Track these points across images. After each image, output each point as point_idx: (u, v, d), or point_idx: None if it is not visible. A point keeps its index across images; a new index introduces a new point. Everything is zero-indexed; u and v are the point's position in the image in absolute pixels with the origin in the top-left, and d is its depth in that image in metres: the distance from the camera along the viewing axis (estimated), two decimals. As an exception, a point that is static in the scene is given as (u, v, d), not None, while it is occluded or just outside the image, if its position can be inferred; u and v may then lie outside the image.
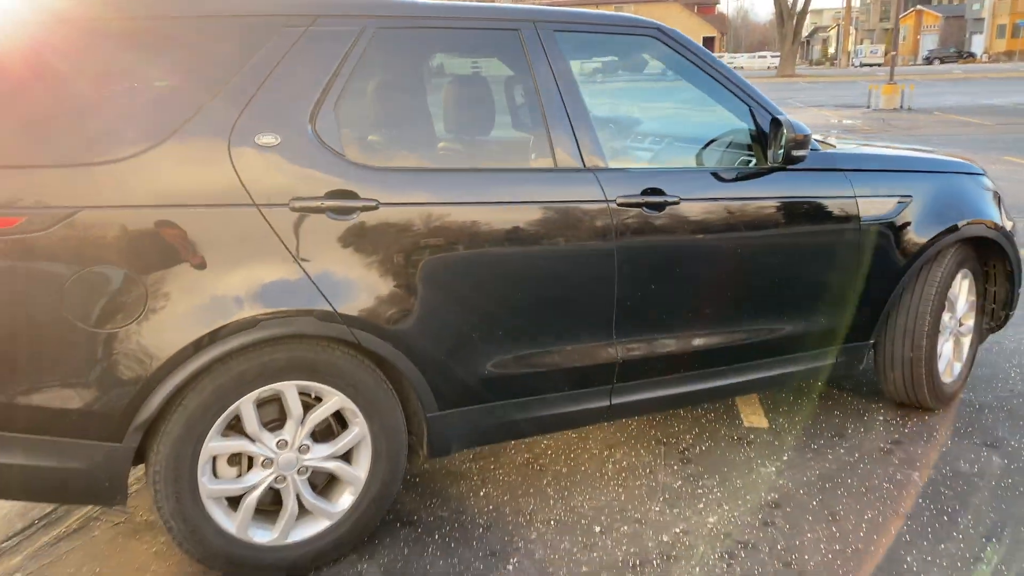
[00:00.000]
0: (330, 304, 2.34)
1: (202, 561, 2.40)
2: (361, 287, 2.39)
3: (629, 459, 3.22)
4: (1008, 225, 3.65)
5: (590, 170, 2.72)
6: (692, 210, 2.86)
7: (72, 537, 2.72)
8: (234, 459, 2.43)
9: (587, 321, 2.75)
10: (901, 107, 21.76)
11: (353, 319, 2.37)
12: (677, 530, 2.73)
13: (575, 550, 2.63)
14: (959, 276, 3.58)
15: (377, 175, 2.43)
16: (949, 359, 3.63)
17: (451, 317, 2.53)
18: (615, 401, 2.90)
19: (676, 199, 2.82)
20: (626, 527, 2.75)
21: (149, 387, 2.19)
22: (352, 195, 2.38)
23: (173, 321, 2.19)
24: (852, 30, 69.51)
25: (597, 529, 2.75)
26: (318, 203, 2.34)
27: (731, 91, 3.06)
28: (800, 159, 2.94)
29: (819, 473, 3.10)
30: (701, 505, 2.89)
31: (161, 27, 2.28)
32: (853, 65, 64.23)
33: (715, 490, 2.98)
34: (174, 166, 2.21)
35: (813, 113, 20.71)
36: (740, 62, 65.29)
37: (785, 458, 3.22)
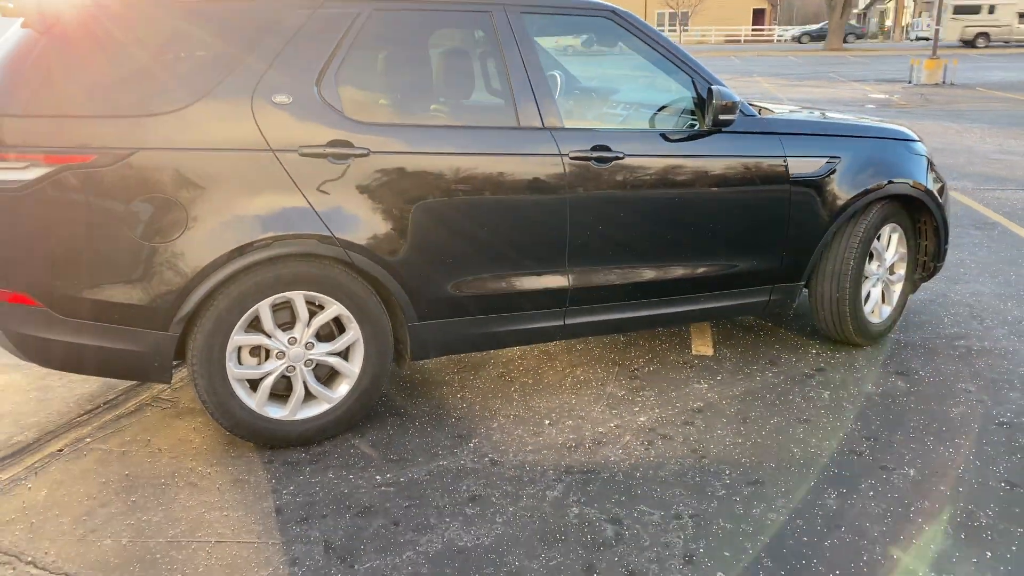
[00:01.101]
0: (328, 230, 2.98)
1: (230, 430, 3.08)
2: (354, 218, 3.03)
3: (586, 375, 3.84)
4: (935, 187, 4.14)
5: (547, 129, 3.30)
6: (635, 164, 3.43)
7: (129, 416, 3.43)
8: (255, 351, 3.10)
9: (543, 254, 3.36)
10: (943, 82, 21.66)
11: (347, 243, 3.01)
12: (612, 425, 3.35)
13: (525, 436, 3.26)
14: (887, 230, 4.09)
15: (369, 128, 3.05)
16: (877, 302, 4.15)
17: (427, 245, 3.15)
18: (568, 321, 3.50)
19: (621, 155, 3.40)
20: (571, 422, 3.37)
21: (188, 289, 2.86)
22: (348, 144, 3.01)
23: (206, 239, 2.86)
24: (910, 2, 67.79)
25: (546, 422, 3.37)
26: (320, 150, 2.97)
27: (676, 64, 3.61)
28: (728, 123, 3.49)
29: (744, 389, 3.68)
30: (636, 409, 3.49)
31: (200, 7, 2.92)
32: (908, 39, 62.83)
33: (651, 399, 3.58)
34: (209, 118, 2.86)
35: (852, 87, 20.76)
36: (791, 34, 64.22)
37: (719, 378, 3.80)
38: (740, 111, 3.64)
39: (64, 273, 2.81)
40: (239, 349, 3.06)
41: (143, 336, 2.90)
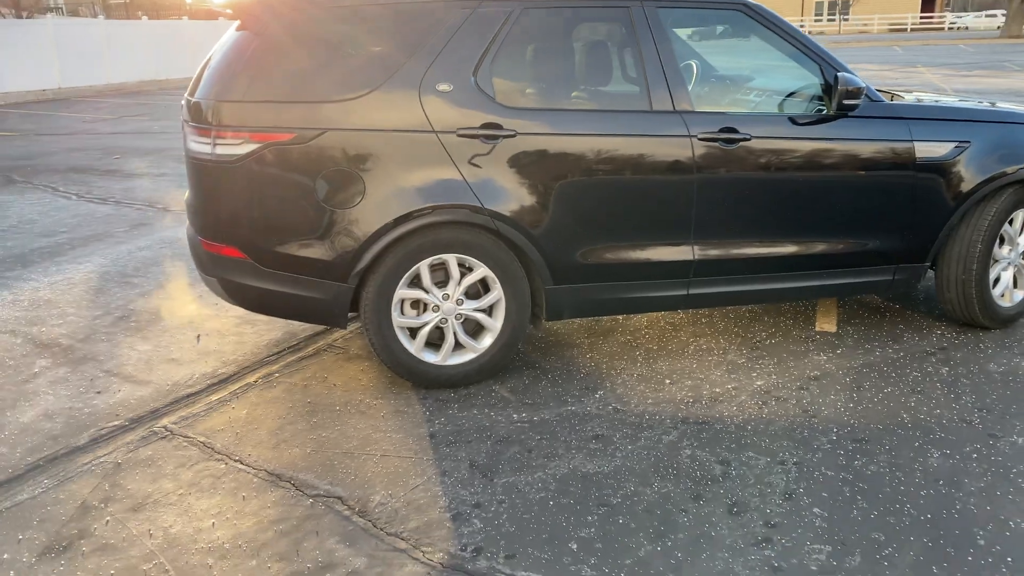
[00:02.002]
0: (480, 201, 3.44)
1: (392, 369, 3.61)
2: (502, 192, 3.48)
3: (708, 344, 4.13)
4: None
5: (678, 112, 3.63)
6: (761, 145, 3.70)
7: (310, 358, 4.04)
8: (415, 304, 3.61)
9: (670, 228, 3.69)
10: None
11: (495, 213, 3.46)
12: (729, 386, 3.64)
13: (647, 391, 3.61)
14: (1021, 214, 4.13)
15: (517, 112, 3.49)
16: (1008, 286, 4.20)
17: (564, 218, 3.56)
18: (692, 291, 3.82)
19: (748, 136, 3.68)
20: (690, 382, 3.70)
21: (364, 248, 3.40)
22: (498, 127, 3.46)
23: (380, 206, 3.38)
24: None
25: (667, 382, 3.71)
26: (475, 131, 3.44)
27: (806, 53, 3.84)
28: (853, 107, 3.68)
29: (862, 362, 3.87)
30: (755, 374, 3.77)
31: (375, 11, 3.45)
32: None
33: (770, 367, 3.84)
34: (384, 104, 3.38)
35: (1025, 77, 19.49)
36: (965, 22, 60.15)
37: (839, 351, 4.01)
38: (867, 96, 3.83)
39: (266, 232, 3.41)
40: (402, 301, 3.58)
41: (327, 287, 3.46)
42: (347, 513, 2.74)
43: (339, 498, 2.83)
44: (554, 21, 3.64)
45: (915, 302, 4.69)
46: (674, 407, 3.45)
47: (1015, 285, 4.28)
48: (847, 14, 63.77)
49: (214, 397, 3.64)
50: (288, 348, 4.17)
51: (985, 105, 4.21)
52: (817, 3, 65.85)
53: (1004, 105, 4.34)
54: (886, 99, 3.97)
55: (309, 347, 4.17)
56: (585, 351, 4.08)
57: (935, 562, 2.44)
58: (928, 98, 4.33)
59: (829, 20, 64.14)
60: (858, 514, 2.69)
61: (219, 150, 3.35)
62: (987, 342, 4.07)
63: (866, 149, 3.82)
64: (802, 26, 61.03)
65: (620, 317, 4.49)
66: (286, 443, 3.21)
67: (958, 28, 58.99)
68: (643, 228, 3.68)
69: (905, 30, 59.39)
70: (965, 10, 70.42)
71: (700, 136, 3.62)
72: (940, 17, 61.48)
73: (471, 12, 3.50)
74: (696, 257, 3.75)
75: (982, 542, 2.52)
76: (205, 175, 3.41)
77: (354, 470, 3.00)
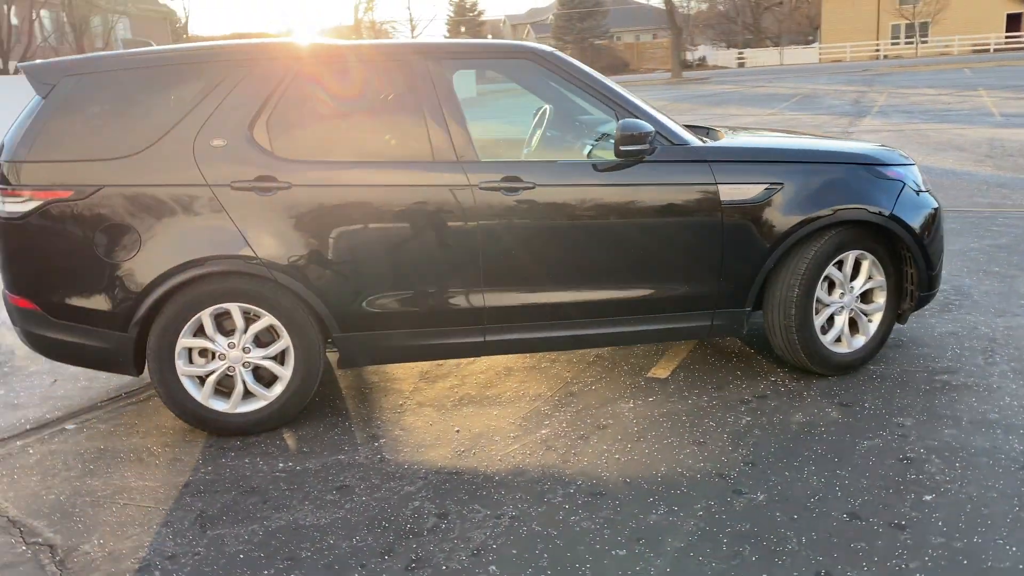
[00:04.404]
0: (254, 252, 3.53)
1: (181, 417, 3.71)
2: (278, 242, 3.55)
3: (528, 391, 4.08)
4: (915, 213, 3.94)
5: (460, 162, 3.65)
6: (547, 193, 3.67)
7: (137, 405, 4.17)
8: (205, 353, 3.71)
9: (457, 276, 3.69)
10: None
11: (270, 263, 3.54)
12: (511, 435, 3.60)
13: (428, 439, 3.60)
14: (851, 256, 3.96)
15: (294, 164, 3.57)
16: (842, 331, 4.02)
17: (347, 267, 3.61)
18: (489, 338, 3.80)
19: (532, 184, 3.66)
20: (478, 430, 3.66)
21: (140, 299, 3.52)
22: (272, 179, 3.55)
23: (155, 258, 3.51)
24: None
25: (456, 430, 3.69)
26: (249, 184, 3.53)
27: (600, 99, 3.80)
28: (636, 152, 3.62)
29: (666, 411, 3.76)
30: (548, 423, 3.71)
31: (155, 72, 3.60)
32: None
33: (569, 415, 3.77)
34: (158, 161, 3.52)
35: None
36: (1051, 40, 57.45)
37: (651, 399, 3.90)
38: (668, 140, 3.76)
39: (53, 284, 3.57)
40: (189, 350, 3.67)
41: (109, 336, 3.60)
42: (47, 562, 2.83)
43: (52, 547, 2.92)
44: (335, 75, 3.72)
45: (771, 347, 4.53)
46: (441, 457, 3.43)
47: (858, 330, 4.09)
48: (926, 36, 61.79)
49: (19, 442, 3.80)
50: (127, 393, 4.32)
51: (809, 144, 4.07)
52: (894, 25, 64.07)
53: (836, 143, 4.19)
54: (697, 141, 3.88)
55: (145, 393, 4.30)
56: (403, 396, 4.09)
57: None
58: (744, 138, 4.21)
59: (907, 43, 62.29)
60: (534, 573, 2.62)
61: (7, 207, 3.54)
62: (813, 390, 3.90)
63: (664, 193, 3.75)
64: (877, 50, 59.52)
65: (455, 361, 4.48)
66: (48, 489, 3.34)
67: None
68: (430, 277, 3.69)
69: (988, 50, 57.14)
70: (1054, 27, 67.30)
71: (481, 185, 3.63)
72: (1006, 38, 58.92)
73: (249, 70, 3.62)
74: (488, 304, 3.73)
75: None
76: (0, 231, 3.61)
77: (88, 519, 3.09)
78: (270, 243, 3.55)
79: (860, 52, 59.42)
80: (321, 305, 3.63)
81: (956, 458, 3.18)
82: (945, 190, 8.71)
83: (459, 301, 3.72)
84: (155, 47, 3.91)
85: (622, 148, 3.60)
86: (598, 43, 61.76)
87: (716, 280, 3.85)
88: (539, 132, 4.63)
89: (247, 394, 3.73)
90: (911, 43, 61.78)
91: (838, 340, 4.03)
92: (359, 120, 3.84)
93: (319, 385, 4.17)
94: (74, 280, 3.56)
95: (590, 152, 4.01)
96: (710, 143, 3.90)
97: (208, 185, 3.53)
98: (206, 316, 3.60)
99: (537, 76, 3.85)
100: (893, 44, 62.76)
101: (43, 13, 27.62)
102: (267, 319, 3.64)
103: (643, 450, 3.40)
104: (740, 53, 61.57)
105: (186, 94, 3.59)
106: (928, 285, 4.07)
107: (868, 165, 3.96)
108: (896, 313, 4.15)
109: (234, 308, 3.61)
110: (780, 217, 3.80)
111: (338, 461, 3.45)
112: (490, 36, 71.63)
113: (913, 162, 4.24)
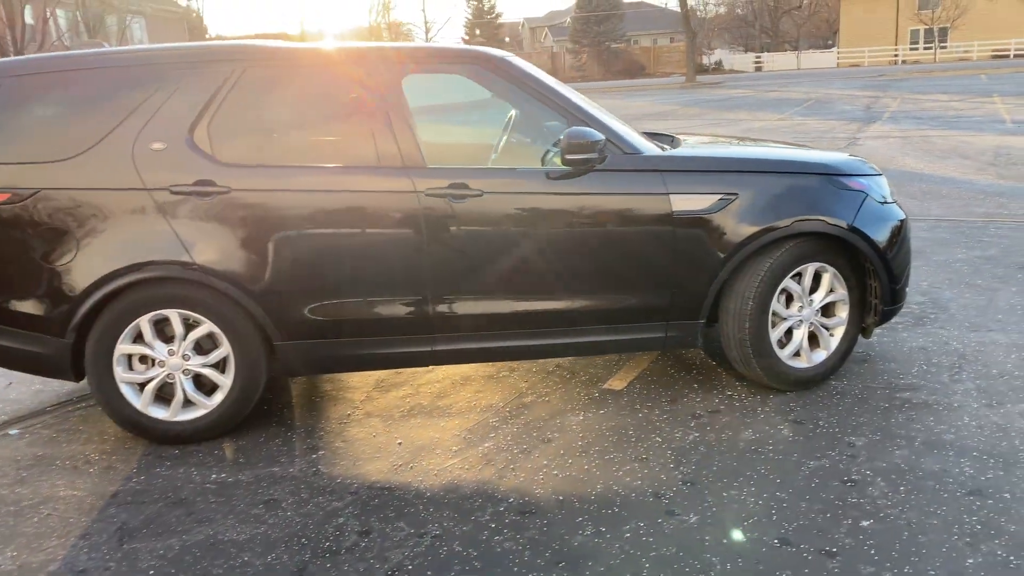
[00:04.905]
0: (191, 257, 3.47)
1: (120, 425, 3.65)
2: (216, 247, 3.49)
3: (481, 402, 3.99)
4: (879, 225, 3.83)
5: (406, 167, 3.57)
6: (495, 200, 3.59)
7: (85, 409, 4.12)
8: (145, 359, 3.65)
9: (402, 284, 3.61)
10: None
11: (207, 268, 3.48)
12: (453, 448, 3.51)
13: (367, 452, 3.52)
14: (811, 269, 3.84)
15: (234, 169, 3.51)
16: (801, 346, 3.90)
17: (287, 274, 3.54)
18: (437, 348, 3.72)
19: (480, 192, 3.58)
20: (422, 442, 3.58)
21: (77, 304, 3.47)
22: (212, 183, 3.48)
23: (92, 263, 3.45)
24: None
25: (398, 442, 3.61)
26: (188, 188, 3.47)
27: (552, 107, 3.71)
28: (580, 162, 3.53)
29: (614, 424, 3.66)
30: (492, 436, 3.61)
31: (97, 74, 3.55)
32: None
33: (516, 428, 3.68)
34: (97, 164, 3.46)
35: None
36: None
37: (601, 412, 3.80)
38: (620, 148, 3.67)
39: (-7, 288, 3.53)
40: (129, 356, 3.62)
41: (48, 341, 3.54)
42: (-44, 573, 2.78)
43: (-35, 556, 2.87)
44: (280, 78, 3.65)
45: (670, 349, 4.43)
46: (377, 471, 3.36)
47: (819, 345, 3.97)
48: (944, 41, 61.13)
49: (-41, 448, 3.76)
50: (79, 398, 4.28)
51: (765, 154, 3.97)
52: (912, 31, 63.46)
53: (795, 151, 4.08)
54: (656, 149, 3.79)
55: (89, 401, 4.25)
56: (351, 406, 4.02)
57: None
58: (701, 148, 4.10)
59: (926, 48, 61.68)
60: (445, 596, 2.54)
61: (-55, 210, 3.49)
62: (768, 406, 3.79)
63: (615, 203, 3.65)
64: (896, 55, 58.96)
65: (412, 370, 4.40)
66: (-23, 497, 3.29)
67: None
68: (375, 284, 3.61)
69: (1009, 56, 56.43)
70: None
71: (427, 192, 3.55)
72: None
73: (192, 72, 3.56)
74: (435, 313, 3.65)
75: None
76: (-59, 235, 3.56)
77: (7, 529, 3.04)
78: (208, 249, 3.49)
79: (878, 57, 58.91)
80: (261, 312, 3.56)
81: (902, 481, 3.06)
82: (941, 199, 8.56)
83: (406, 310, 3.64)
84: (106, 48, 3.86)
85: (568, 157, 3.51)
86: (615, 46, 61.60)
87: (669, 292, 3.75)
88: (504, 138, 4.54)
89: (187, 402, 3.67)
90: (930, 48, 61.22)
91: (797, 354, 3.92)
92: (304, 124, 3.77)
93: (268, 392, 4.13)
94: (11, 284, 3.51)
95: (548, 159, 3.92)
96: (664, 152, 3.80)
97: (147, 189, 3.47)
98: (144, 322, 3.54)
99: (492, 83, 3.76)
100: (912, 49, 62.15)
101: (59, 12, 27.85)
102: (207, 326, 3.57)
103: (583, 466, 3.30)
104: (757, 57, 61.21)
105: (128, 96, 3.54)
106: (892, 299, 3.95)
107: (828, 175, 3.85)
108: (860, 327, 4.04)
109: (173, 314, 3.55)
110: (734, 228, 3.69)
111: (271, 473, 3.38)
112: (507, 39, 71.63)
113: (879, 172, 4.12)
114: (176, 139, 3.50)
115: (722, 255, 3.70)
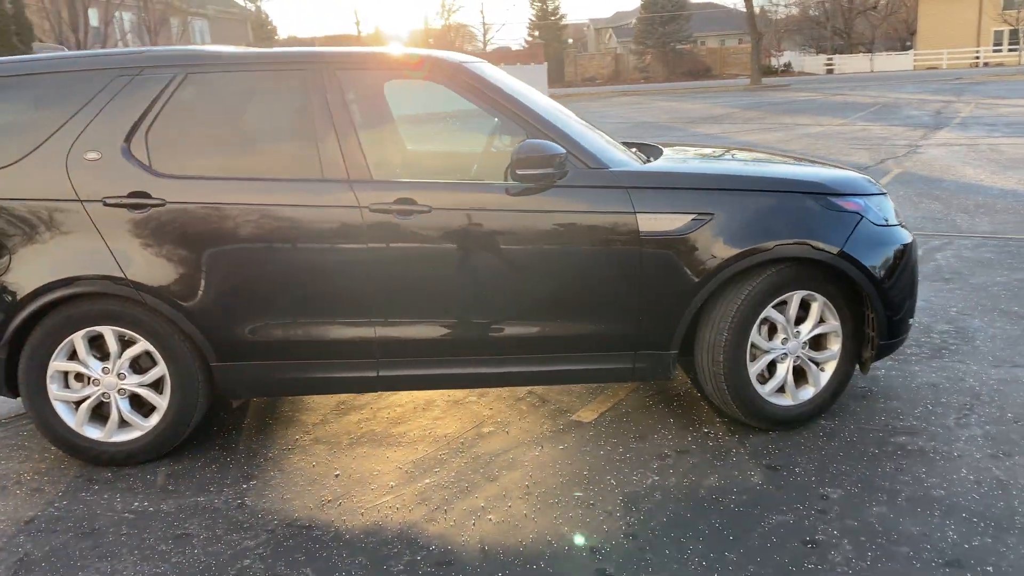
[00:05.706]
0: (122, 272, 3.30)
1: (53, 444, 3.51)
2: (148, 262, 3.32)
3: (436, 431, 3.74)
4: (876, 251, 3.45)
5: (350, 181, 3.34)
6: (444, 217, 3.33)
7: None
8: (82, 377, 3.50)
9: (345, 305, 3.38)
10: None
11: (138, 284, 3.31)
12: (390, 486, 3.26)
13: (301, 485, 3.30)
14: (796, 298, 3.48)
15: (170, 181, 3.33)
16: (787, 381, 3.54)
17: (223, 291, 3.34)
18: (382, 373, 3.48)
19: (428, 208, 3.32)
20: (358, 475, 3.35)
21: (8, 318, 3.34)
22: (146, 195, 3.31)
23: (22, 277, 3.32)
24: None
25: (336, 474, 3.38)
26: (121, 200, 3.31)
27: (513, 118, 3.43)
28: (534, 177, 3.24)
29: (570, 462, 3.37)
30: (436, 472, 3.36)
31: (34, 79, 3.42)
32: None
33: (460, 464, 3.42)
34: (30, 173, 3.33)
35: None
36: None
37: (561, 447, 3.51)
38: (584, 163, 3.38)
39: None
40: (65, 374, 3.47)
41: (-21, 358, 3.42)
42: None
43: None
44: (222, 85, 3.46)
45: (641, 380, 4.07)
46: (303, 506, 3.14)
47: (806, 380, 3.60)
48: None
49: (-97, 461, 3.68)
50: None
51: (747, 170, 3.61)
52: (996, 32, 60.81)
53: (785, 167, 3.71)
54: (634, 162, 3.48)
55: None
56: (302, 430, 3.81)
57: None
58: (675, 163, 3.75)
59: (1011, 50, 59.01)
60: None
61: None
62: (744, 447, 3.44)
63: (576, 221, 3.36)
64: (977, 57, 56.65)
65: (376, 393, 4.18)
66: None
67: None
68: (316, 305, 3.40)
69: (1096, 57, 53.56)
70: None
71: (372, 207, 3.31)
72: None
73: (130, 79, 3.40)
74: (378, 336, 3.42)
75: None
76: None
77: (-89, 553, 2.91)
78: (141, 264, 3.32)
79: (958, 59, 56.63)
80: (196, 331, 3.38)
81: (872, 545, 2.70)
82: (994, 214, 7.96)
83: (348, 332, 3.41)
84: (65, 52, 3.73)
85: (519, 172, 3.23)
86: (680, 47, 60.62)
87: (635, 319, 3.43)
88: (486, 149, 4.29)
89: (123, 423, 3.51)
90: (1015, 50, 58.56)
91: (781, 391, 3.55)
92: (247, 133, 3.58)
93: (222, 411, 3.96)
94: (-53, 297, 3.40)
95: (476, 174, 3.64)
96: (632, 168, 3.48)
97: (80, 200, 3.32)
98: (79, 339, 3.40)
99: (446, 91, 3.50)
100: (995, 51, 59.55)
101: (124, 16, 28.62)
102: (142, 344, 3.41)
103: (521, 511, 3.02)
104: (829, 59, 59.44)
105: (66, 103, 3.39)
106: (889, 332, 3.55)
107: (818, 194, 3.48)
108: (856, 362, 3.65)
109: (107, 331, 3.40)
110: (709, 251, 3.36)
111: (195, 503, 3.18)
112: (570, 40, 71.18)
113: (883, 191, 3.72)
114: (111, 148, 3.34)
115: (696, 280, 3.37)
